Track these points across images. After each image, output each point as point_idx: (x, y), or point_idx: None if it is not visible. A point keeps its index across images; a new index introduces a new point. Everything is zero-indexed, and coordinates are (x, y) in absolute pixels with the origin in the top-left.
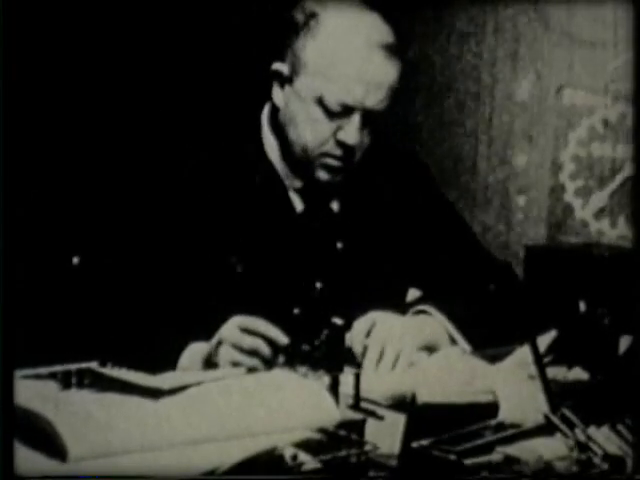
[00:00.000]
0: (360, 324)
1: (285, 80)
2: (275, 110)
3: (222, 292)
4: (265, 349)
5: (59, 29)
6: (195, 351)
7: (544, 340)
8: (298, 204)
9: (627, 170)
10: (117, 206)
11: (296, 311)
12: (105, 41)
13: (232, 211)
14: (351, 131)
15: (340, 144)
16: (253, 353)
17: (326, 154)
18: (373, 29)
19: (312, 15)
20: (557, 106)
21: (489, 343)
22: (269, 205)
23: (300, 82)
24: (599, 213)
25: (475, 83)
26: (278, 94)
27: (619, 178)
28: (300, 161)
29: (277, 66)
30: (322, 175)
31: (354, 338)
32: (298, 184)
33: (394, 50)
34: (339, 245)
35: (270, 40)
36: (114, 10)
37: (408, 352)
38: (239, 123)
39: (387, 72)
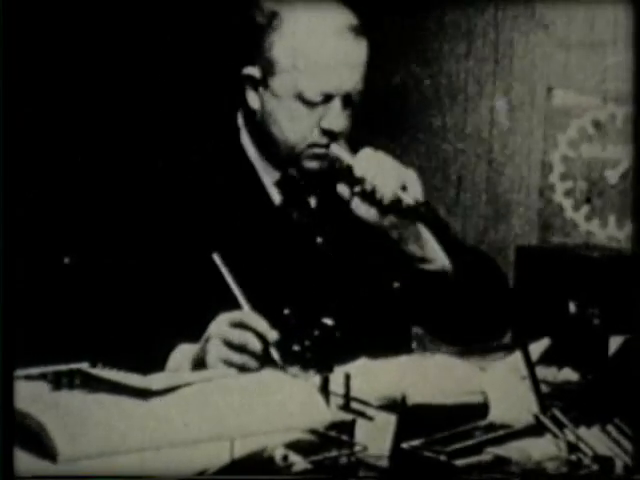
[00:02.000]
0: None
1: (258, 83)
2: (249, 112)
3: (210, 292)
4: (254, 344)
5: (55, 32)
6: (184, 352)
7: (537, 348)
8: (276, 197)
9: (617, 170)
10: (105, 207)
11: (286, 311)
12: (91, 47)
13: (216, 209)
14: (334, 117)
15: (326, 132)
16: (242, 349)
17: (313, 145)
18: (335, 14)
19: (273, 14)
20: (547, 107)
21: (480, 348)
22: (248, 200)
23: (275, 82)
24: (585, 203)
25: (474, 85)
26: (252, 97)
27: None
28: (285, 155)
29: (248, 70)
30: (311, 165)
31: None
32: (277, 176)
33: (360, 30)
34: (319, 240)
35: (237, 45)
36: (97, 18)
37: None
38: (216, 123)
39: (357, 52)
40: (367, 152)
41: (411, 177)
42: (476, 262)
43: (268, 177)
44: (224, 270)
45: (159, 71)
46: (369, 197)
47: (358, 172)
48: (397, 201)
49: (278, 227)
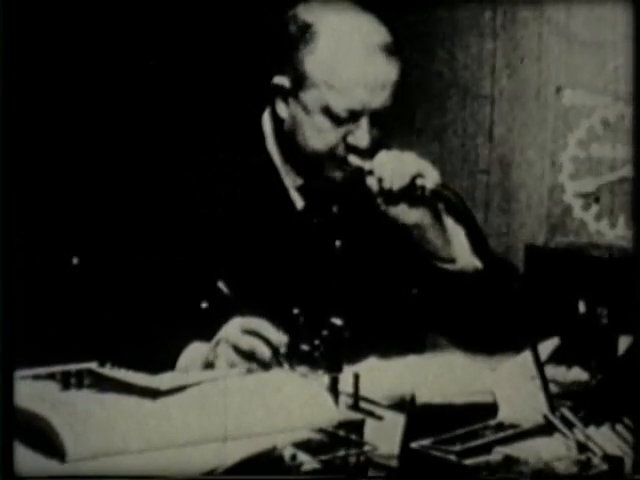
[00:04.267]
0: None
1: (287, 93)
2: (278, 119)
3: (222, 292)
4: (263, 352)
5: (60, 30)
6: (194, 351)
7: (546, 348)
8: (299, 202)
9: (625, 170)
10: (116, 206)
11: (295, 311)
12: (107, 46)
13: (232, 210)
14: (361, 134)
15: (351, 148)
16: (250, 355)
17: (337, 158)
18: (370, 31)
19: (306, 27)
20: (557, 106)
21: (490, 347)
22: (269, 204)
23: (304, 95)
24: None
25: (475, 83)
26: (281, 107)
27: (617, 174)
28: (310, 163)
29: (278, 80)
30: (334, 175)
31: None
32: (300, 182)
33: (393, 48)
34: (337, 244)
35: (268, 53)
36: (116, 17)
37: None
38: (243, 128)
39: (389, 71)
40: (383, 154)
41: (427, 166)
42: (498, 265)
43: (291, 182)
44: (227, 293)
45: (188, 75)
46: (391, 192)
47: (378, 173)
48: (420, 188)
49: (298, 230)
